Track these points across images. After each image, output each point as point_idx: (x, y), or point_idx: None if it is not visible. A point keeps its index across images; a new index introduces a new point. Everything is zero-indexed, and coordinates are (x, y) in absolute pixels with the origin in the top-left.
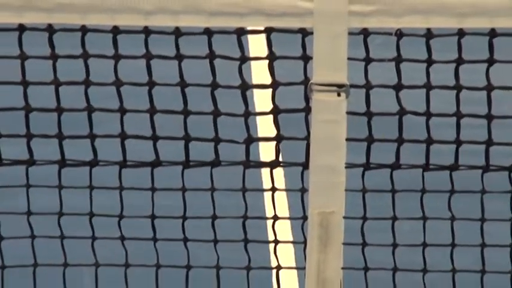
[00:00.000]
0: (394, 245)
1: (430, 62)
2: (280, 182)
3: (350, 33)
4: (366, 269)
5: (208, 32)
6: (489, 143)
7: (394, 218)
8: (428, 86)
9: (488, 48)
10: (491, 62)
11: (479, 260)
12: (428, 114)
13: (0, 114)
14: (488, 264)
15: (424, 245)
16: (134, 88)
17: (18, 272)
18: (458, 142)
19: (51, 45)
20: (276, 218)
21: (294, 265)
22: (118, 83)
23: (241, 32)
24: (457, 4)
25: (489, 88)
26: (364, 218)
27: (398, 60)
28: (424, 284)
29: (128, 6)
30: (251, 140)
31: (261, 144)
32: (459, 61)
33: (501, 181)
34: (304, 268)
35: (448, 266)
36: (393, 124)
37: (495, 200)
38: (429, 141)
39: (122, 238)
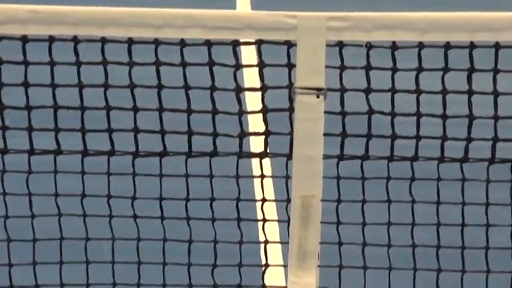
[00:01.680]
0: (364, 224)
1: (394, 69)
2: (267, 170)
3: (328, 45)
4: (340, 243)
5: (208, 43)
6: (444, 138)
7: (364, 201)
8: (393, 90)
9: (444, 58)
10: (446, 70)
11: (435, 237)
12: (392, 114)
13: (32, 112)
14: (442, 240)
15: (389, 223)
16: (145, 90)
17: (48, 244)
18: (417, 137)
19: (76, 53)
20: (264, 200)
21: (278, 240)
22: (132, 85)
23: (235, 44)
24: (418, 21)
25: (444, 92)
26: (339, 201)
27: (368, 68)
28: (389, 257)
29: (141, 22)
30: (244, 134)
31: (252, 138)
32: (419, 69)
33: (454, 171)
34: (287, 243)
35: (409, 241)
36: (363, 122)
37: (449, 186)
38: (393, 137)
39: (135, 216)
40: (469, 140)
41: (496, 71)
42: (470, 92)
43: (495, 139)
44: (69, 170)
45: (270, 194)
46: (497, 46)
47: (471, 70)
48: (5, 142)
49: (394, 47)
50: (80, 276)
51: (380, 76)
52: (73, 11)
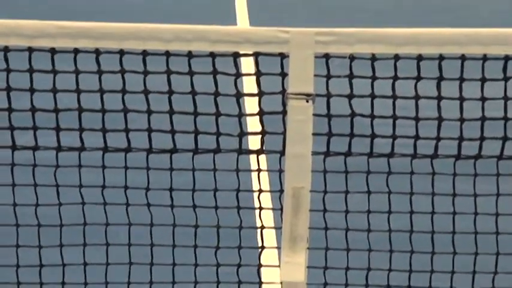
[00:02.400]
0: (346, 212)
1: (374, 78)
2: (263, 165)
3: (316, 57)
4: (326, 229)
5: (212, 55)
6: (416, 137)
7: (347, 192)
8: (372, 96)
9: (416, 68)
10: (418, 78)
11: (409, 224)
12: (372, 116)
13: (60, 114)
14: (415, 226)
15: (368, 211)
16: (157, 95)
17: (73, 229)
18: (393, 137)
19: (98, 63)
20: (260, 191)
21: (273, 226)
22: (146, 91)
23: (236, 55)
24: (394, 36)
25: (417, 98)
26: (325, 192)
27: (350, 76)
28: (368, 240)
29: (154, 36)
30: (243, 134)
31: (250, 137)
32: (395, 78)
33: (425, 166)
34: (280, 228)
35: (386, 227)
36: (347, 123)
37: (421, 179)
38: (373, 136)
39: (148, 205)
40: (438, 139)
41: (461, 79)
42: (439, 98)
43: (461, 138)
44: (91, 165)
45: (265, 185)
46: (463, 58)
47: (440, 79)
48: (36, 140)
49: (373, 58)
50: (101, 257)
51: (361, 84)
52: (95, 26)
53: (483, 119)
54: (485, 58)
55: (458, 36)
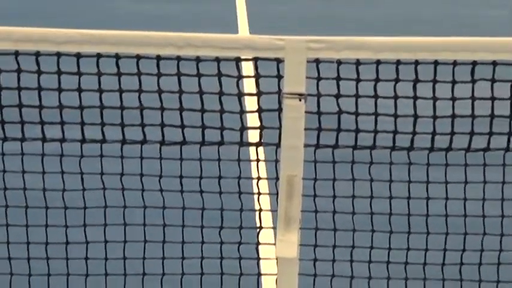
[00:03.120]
0: (334, 197)
1: (358, 80)
2: (261, 155)
3: (308, 61)
4: (316, 211)
5: (217, 60)
6: (395, 132)
7: (334, 179)
8: (357, 96)
9: (395, 72)
10: (397, 80)
11: (388, 207)
12: (357, 114)
13: (84, 111)
14: (393, 209)
15: (353, 197)
16: (169, 94)
17: (95, 211)
18: (375, 132)
19: (117, 66)
20: (259, 178)
21: (269, 209)
22: (159, 91)
23: (238, 60)
24: (375, 44)
25: (395, 97)
26: (315, 179)
27: (337, 78)
28: (353, 221)
29: (167, 43)
30: (243, 128)
31: (250, 131)
32: (376, 80)
33: (402, 157)
34: (276, 211)
35: (368, 210)
36: (334, 119)
37: (399, 168)
38: (357, 131)
39: (161, 190)
40: (414, 133)
41: (435, 81)
42: (415, 98)
43: (434, 133)
44: (111, 155)
45: (263, 173)
46: (435, 63)
47: (416, 81)
48: (63, 133)
49: (357, 63)
50: (119, 235)
51: (347, 85)
52: (116, 34)
53: (453, 116)
54: (455, 63)
55: (431, 44)
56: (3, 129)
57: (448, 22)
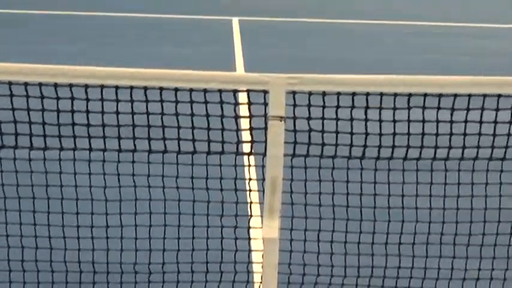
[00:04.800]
0: (306, 193)
1: (324, 106)
2: (252, 162)
3: (287, 93)
4: (292, 204)
5: (220, 91)
6: (351, 145)
7: (306, 180)
8: (323, 118)
9: (351, 100)
10: (367, 107)
11: (359, 202)
12: (322, 131)
13: (121, 129)
14: (363, 203)
15: (320, 193)
16: (184, 116)
17: (128, 203)
18: (336, 145)
19: (146, 95)
20: (250, 179)
21: (258, 201)
22: (177, 114)
23: (235, 91)
24: (335, 80)
25: (366, 120)
26: (292, 180)
27: (309, 105)
28: (320, 211)
29: (183, 78)
30: (239, 142)
31: (244, 144)
32: (337, 107)
33: (356, 163)
34: (263, 203)
35: (330, 203)
36: (305, 136)
37: (354, 172)
38: (323, 144)
39: (177, 187)
40: (365, 146)
41: (381, 108)
42: (366, 120)
43: (379, 146)
44: (126, 160)
45: (253, 175)
46: (381, 94)
47: (366, 108)
48: (104, 144)
49: (324, 93)
50: (145, 221)
51: (316, 110)
52: (144, 72)
53: (394, 134)
54: (410, 95)
55: (375, 80)
56: (60, 141)
57: (389, 64)
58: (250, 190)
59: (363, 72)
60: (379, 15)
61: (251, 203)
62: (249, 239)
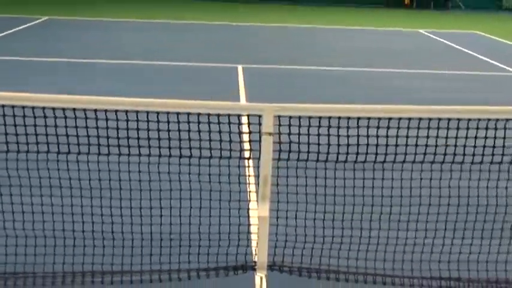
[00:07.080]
0: (287, 185)
1: (309, 126)
2: (251, 164)
3: (275, 116)
4: (278, 193)
5: (228, 115)
6: (328, 153)
7: (287, 176)
8: (308, 134)
9: (328, 122)
10: (329, 126)
11: (323, 191)
12: (309, 144)
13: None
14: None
15: (296, 185)
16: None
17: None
18: (318, 152)
19: (168, 119)
20: (249, 176)
21: (255, 191)
22: (189, 132)
23: (239, 115)
24: (316, 109)
25: (328, 134)
26: (278, 176)
27: (294, 125)
28: (297, 198)
29: (189, 106)
30: (242, 150)
31: (245, 151)
32: (319, 126)
33: (331, 165)
34: (258, 192)
35: (313, 192)
36: (287, 146)
37: (330, 172)
38: (298, 151)
39: (199, 181)
40: (338, 153)
41: (348, 127)
42: (338, 136)
43: (357, 153)
44: (163, 162)
45: (251, 172)
46: (368, 118)
47: (338, 127)
48: (129, 150)
49: (299, 117)
50: (137, 214)
51: (295, 128)
52: (152, 101)
53: (367, 144)
54: (379, 118)
55: (350, 108)
56: (98, 148)
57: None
58: (249, 183)
59: (330, 102)
60: (346, 64)
61: (250, 192)
62: (248, 216)
